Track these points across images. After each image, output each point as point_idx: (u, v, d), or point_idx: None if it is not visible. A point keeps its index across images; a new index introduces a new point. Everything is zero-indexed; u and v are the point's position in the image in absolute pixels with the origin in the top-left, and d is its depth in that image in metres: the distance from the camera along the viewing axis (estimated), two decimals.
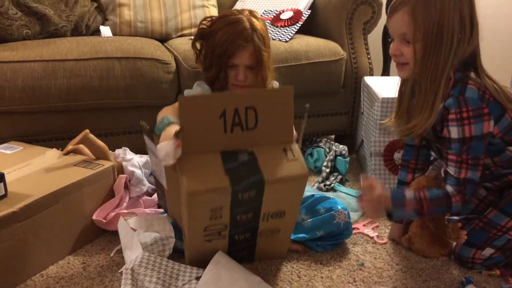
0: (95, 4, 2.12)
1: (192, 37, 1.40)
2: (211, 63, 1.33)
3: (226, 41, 1.28)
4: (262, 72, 1.34)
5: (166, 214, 1.40)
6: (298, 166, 1.12)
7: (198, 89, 1.41)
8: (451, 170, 1.21)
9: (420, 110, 1.21)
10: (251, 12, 1.34)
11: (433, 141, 1.32)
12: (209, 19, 1.35)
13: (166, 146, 1.07)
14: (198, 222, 1.13)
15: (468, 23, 1.15)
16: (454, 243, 1.33)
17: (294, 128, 1.18)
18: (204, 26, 1.34)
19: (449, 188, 1.21)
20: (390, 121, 1.36)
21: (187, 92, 1.49)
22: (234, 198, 1.09)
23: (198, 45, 1.38)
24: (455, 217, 1.41)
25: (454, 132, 1.18)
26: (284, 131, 1.14)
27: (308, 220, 1.37)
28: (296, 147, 1.14)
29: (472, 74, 1.20)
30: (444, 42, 1.14)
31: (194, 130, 1.08)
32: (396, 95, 1.34)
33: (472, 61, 1.21)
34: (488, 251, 1.28)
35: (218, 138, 1.09)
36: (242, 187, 1.08)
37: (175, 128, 1.15)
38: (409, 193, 1.22)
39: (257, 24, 1.32)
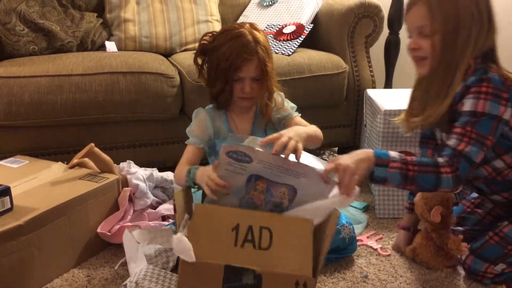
0: (101, 20, 2.16)
1: None
2: (215, 77, 1.33)
3: (231, 55, 1.29)
4: (267, 83, 1.35)
5: (169, 226, 1.40)
6: None
7: (196, 121, 1.39)
8: (451, 141, 1.14)
9: (435, 99, 1.20)
10: (252, 25, 1.35)
11: (444, 130, 1.27)
12: (210, 34, 1.36)
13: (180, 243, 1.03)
14: None
15: (486, 14, 1.16)
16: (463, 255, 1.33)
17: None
18: (205, 42, 1.35)
19: (440, 158, 1.13)
20: (400, 120, 1.34)
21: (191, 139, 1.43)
22: None
23: (199, 61, 1.39)
24: (460, 228, 1.42)
25: (467, 104, 1.14)
26: (302, 261, 1.03)
27: None
28: (311, 282, 1.01)
29: (493, 65, 1.19)
30: (461, 33, 1.14)
31: (203, 238, 1.02)
32: (406, 98, 1.35)
33: (491, 56, 1.20)
34: (500, 266, 1.27)
35: (227, 250, 1.02)
36: None
37: (205, 169, 1.20)
38: (393, 152, 1.15)
39: (259, 36, 1.33)
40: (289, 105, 1.45)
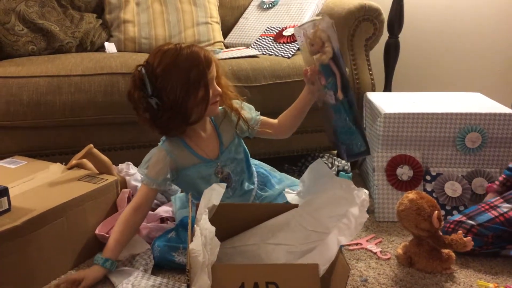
0: (100, 21, 2.15)
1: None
2: (188, 92, 1.23)
3: (196, 59, 1.23)
4: (220, 81, 1.33)
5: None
6: None
7: (152, 162, 1.32)
8: None
9: None
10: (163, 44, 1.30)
11: None
12: (142, 65, 1.25)
13: None
14: None
15: None
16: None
17: None
18: (144, 72, 1.23)
19: None
20: None
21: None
22: None
23: (137, 95, 1.24)
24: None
25: None
26: None
27: None
28: None
29: None
30: None
31: None
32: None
33: None
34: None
35: None
36: None
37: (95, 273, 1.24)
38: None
39: (185, 43, 1.29)
40: (250, 111, 1.44)
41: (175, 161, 1.34)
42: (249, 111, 1.43)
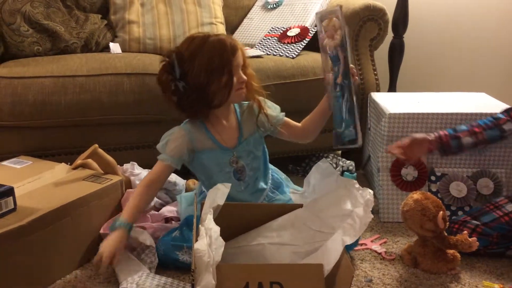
0: (105, 22, 2.16)
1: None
2: (211, 77, 1.27)
3: (222, 46, 1.27)
4: (246, 71, 1.35)
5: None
6: None
7: (172, 139, 1.35)
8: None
9: None
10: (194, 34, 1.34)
11: None
12: (173, 50, 1.30)
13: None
14: None
15: None
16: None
17: None
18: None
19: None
20: None
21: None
22: None
23: (167, 78, 1.30)
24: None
25: None
26: None
27: None
28: None
29: None
30: None
31: None
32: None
33: None
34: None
35: None
36: None
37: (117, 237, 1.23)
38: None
39: (215, 33, 1.34)
40: (275, 110, 1.45)
41: (192, 142, 1.36)
42: (274, 109, 1.45)
